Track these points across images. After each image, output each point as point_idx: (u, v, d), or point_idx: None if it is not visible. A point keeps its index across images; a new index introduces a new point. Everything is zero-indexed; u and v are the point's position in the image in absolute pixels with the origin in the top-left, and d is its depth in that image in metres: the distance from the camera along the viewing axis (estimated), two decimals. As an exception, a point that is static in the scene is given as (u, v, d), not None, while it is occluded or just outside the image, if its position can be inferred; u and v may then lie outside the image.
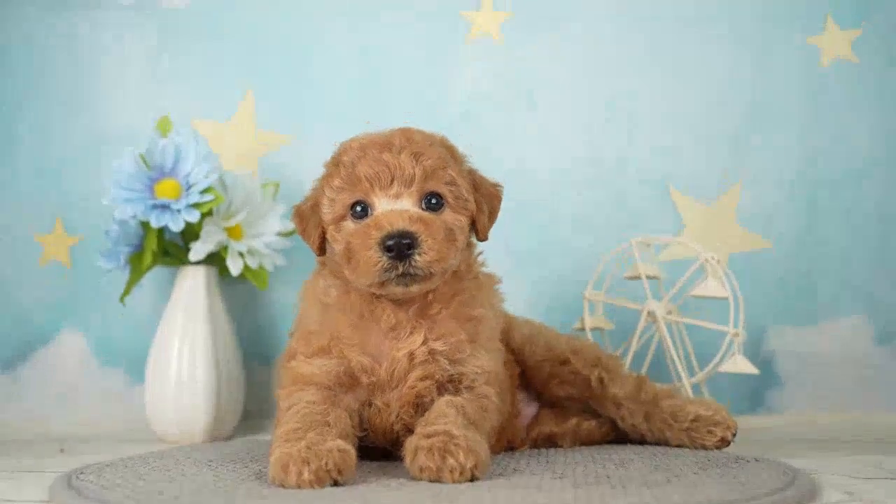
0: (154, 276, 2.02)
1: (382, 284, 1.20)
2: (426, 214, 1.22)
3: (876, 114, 2.04)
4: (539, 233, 2.04)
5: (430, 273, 1.19)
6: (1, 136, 2.10)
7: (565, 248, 2.05)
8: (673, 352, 1.77)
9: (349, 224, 1.24)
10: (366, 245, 1.18)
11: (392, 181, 1.22)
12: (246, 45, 2.11)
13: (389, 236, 1.17)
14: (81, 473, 1.18)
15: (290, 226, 1.93)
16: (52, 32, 2.11)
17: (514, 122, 2.08)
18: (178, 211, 1.76)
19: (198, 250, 1.79)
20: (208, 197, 1.77)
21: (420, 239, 1.17)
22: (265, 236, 1.89)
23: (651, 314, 1.79)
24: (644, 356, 1.83)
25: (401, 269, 1.17)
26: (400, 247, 1.16)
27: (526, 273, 2.02)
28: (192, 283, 1.85)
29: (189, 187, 1.78)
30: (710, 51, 2.07)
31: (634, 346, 1.80)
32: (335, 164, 1.28)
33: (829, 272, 2.02)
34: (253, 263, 1.86)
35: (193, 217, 1.76)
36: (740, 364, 1.71)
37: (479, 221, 1.30)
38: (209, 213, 1.82)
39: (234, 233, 1.85)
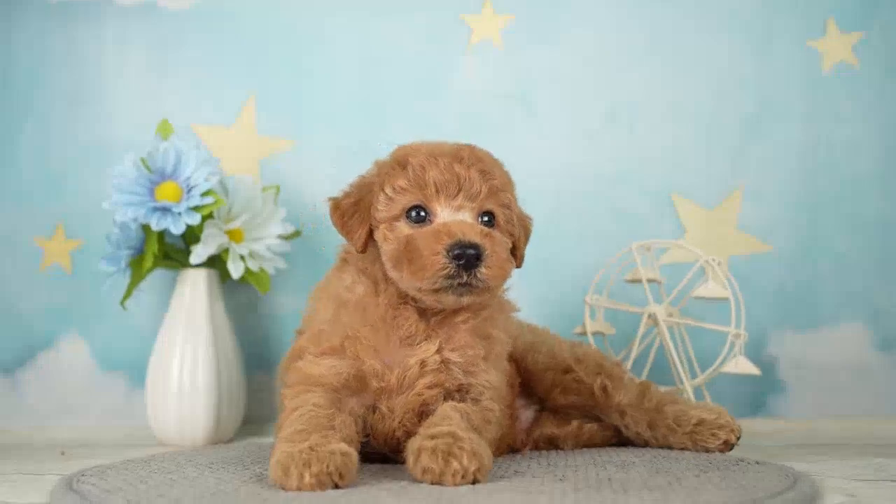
0: (155, 280, 2.02)
1: (437, 291, 1.20)
2: (493, 231, 1.24)
3: (877, 117, 2.04)
4: (540, 237, 2.01)
5: (489, 287, 1.21)
6: (2, 139, 2.10)
7: (566, 253, 2.04)
8: (674, 355, 1.77)
9: (403, 226, 1.25)
10: (433, 249, 1.18)
11: (458, 193, 1.24)
12: (247, 49, 2.11)
13: (461, 245, 1.18)
14: (83, 476, 1.18)
15: (291, 229, 1.94)
16: (53, 37, 2.11)
17: (515, 123, 2.08)
18: (179, 214, 1.76)
19: (199, 253, 1.79)
20: (209, 200, 1.77)
21: (487, 253, 1.19)
22: (266, 239, 1.89)
23: (652, 317, 1.79)
24: (646, 360, 1.83)
25: (465, 279, 1.18)
26: (469, 257, 1.18)
27: (527, 277, 2.01)
28: (194, 287, 1.85)
29: (189, 190, 1.78)
30: (711, 53, 2.07)
31: (636, 349, 1.80)
32: (399, 165, 1.27)
33: (830, 277, 2.02)
34: (254, 267, 1.86)
35: (194, 220, 1.76)
36: (742, 365, 1.71)
37: (519, 248, 1.33)
38: (210, 217, 1.82)
39: (235, 236, 1.85)
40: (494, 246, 1.21)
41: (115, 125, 2.10)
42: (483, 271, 1.19)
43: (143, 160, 1.79)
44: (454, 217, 1.23)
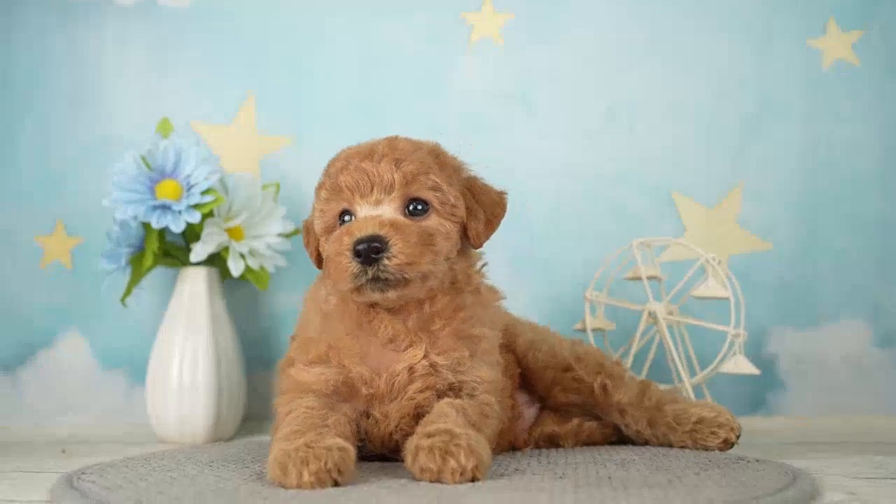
0: (155, 277, 2.02)
1: (359, 290, 1.20)
2: (400, 219, 1.21)
3: (877, 117, 2.04)
4: (540, 234, 2.04)
5: (404, 278, 1.18)
6: (2, 138, 2.11)
7: (566, 253, 2.04)
8: (674, 352, 1.77)
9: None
10: (339, 251, 1.19)
11: (372, 189, 1.22)
12: (246, 48, 2.11)
13: (358, 241, 1.16)
14: (83, 474, 1.18)
15: (291, 227, 1.94)
16: (53, 37, 2.11)
17: (515, 123, 2.08)
18: (179, 212, 1.76)
19: (199, 251, 1.79)
20: (209, 198, 1.77)
21: (390, 243, 1.16)
22: (266, 237, 1.89)
23: (652, 315, 1.79)
24: (645, 357, 1.83)
25: (370, 274, 1.17)
26: (368, 251, 1.16)
27: (526, 274, 2.02)
28: (194, 284, 1.85)
29: (190, 188, 1.78)
30: (711, 53, 2.07)
31: (635, 347, 1.80)
32: (325, 176, 1.28)
33: (830, 275, 2.02)
34: (254, 264, 1.86)
35: (194, 218, 1.76)
36: (741, 364, 1.71)
37: (471, 228, 1.29)
38: (210, 215, 1.82)
39: (235, 234, 1.85)
40: (400, 234, 1.17)
41: (115, 124, 2.10)
42: (387, 262, 1.16)
43: (143, 158, 1.80)
44: (372, 213, 1.22)
